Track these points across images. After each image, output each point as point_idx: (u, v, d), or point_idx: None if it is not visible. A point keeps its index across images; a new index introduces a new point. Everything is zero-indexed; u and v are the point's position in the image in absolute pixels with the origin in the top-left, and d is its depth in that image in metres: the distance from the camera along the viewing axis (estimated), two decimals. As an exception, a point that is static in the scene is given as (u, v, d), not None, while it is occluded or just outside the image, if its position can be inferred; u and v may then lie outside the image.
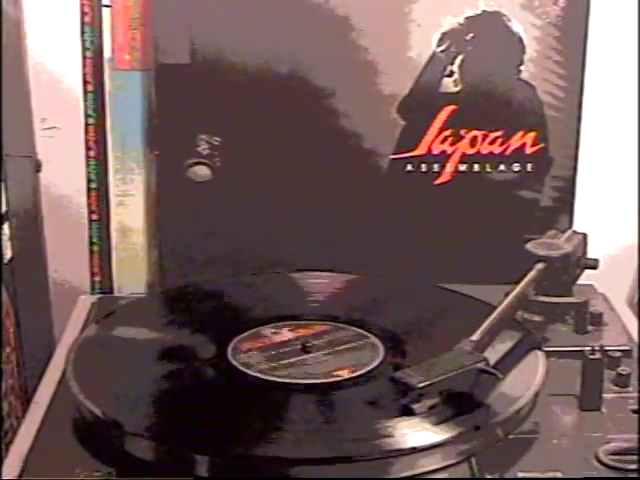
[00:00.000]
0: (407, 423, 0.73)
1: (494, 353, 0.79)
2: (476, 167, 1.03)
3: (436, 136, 1.02)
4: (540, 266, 0.89)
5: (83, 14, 1.01)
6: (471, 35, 1.00)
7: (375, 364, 0.82)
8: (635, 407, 0.79)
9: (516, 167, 1.03)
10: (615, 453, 0.73)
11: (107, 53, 1.01)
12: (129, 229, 1.06)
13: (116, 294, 1.06)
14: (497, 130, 1.02)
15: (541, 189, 1.04)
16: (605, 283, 1.00)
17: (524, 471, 0.72)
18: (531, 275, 0.88)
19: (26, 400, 0.96)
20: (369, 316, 0.90)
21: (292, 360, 0.82)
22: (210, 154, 1.01)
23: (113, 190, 1.05)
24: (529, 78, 1.01)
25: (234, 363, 0.82)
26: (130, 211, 1.05)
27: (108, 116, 1.03)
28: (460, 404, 0.74)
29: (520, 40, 1.00)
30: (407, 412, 0.73)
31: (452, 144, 1.02)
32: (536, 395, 0.78)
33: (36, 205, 1.05)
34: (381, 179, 1.03)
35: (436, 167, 1.03)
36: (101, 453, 0.73)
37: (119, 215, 1.05)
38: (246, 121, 1.00)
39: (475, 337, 0.78)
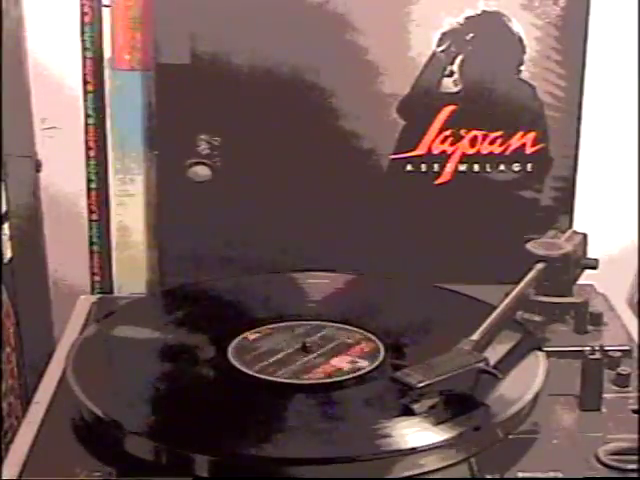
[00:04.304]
0: (407, 423, 0.73)
1: (494, 353, 0.79)
2: (476, 167, 1.03)
3: (436, 136, 1.02)
4: (540, 266, 0.89)
5: (83, 14, 1.01)
6: (471, 35, 1.00)
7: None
8: (635, 407, 0.79)
9: (516, 167, 1.03)
10: (615, 453, 0.73)
11: (107, 53, 1.01)
12: (129, 229, 1.06)
13: (116, 294, 1.06)
14: (497, 130, 1.02)
15: (541, 189, 1.04)
16: (605, 283, 1.00)
17: (524, 471, 0.72)
18: (531, 275, 0.88)
19: (26, 400, 0.96)
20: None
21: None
22: (210, 154, 1.01)
23: (113, 190, 1.05)
24: (529, 78, 1.01)
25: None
26: (130, 211, 1.05)
27: (108, 116, 1.03)
28: (460, 404, 0.74)
29: (520, 40, 1.01)
30: (407, 412, 0.73)
31: (452, 144, 1.02)
32: (536, 395, 0.77)
33: (36, 205, 1.05)
34: (381, 179, 1.03)
35: (436, 167, 1.03)
36: (101, 453, 0.73)
37: (119, 215, 1.05)
38: (246, 121, 1.00)
39: (475, 337, 0.78)
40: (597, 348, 0.80)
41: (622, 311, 0.97)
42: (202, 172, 1.01)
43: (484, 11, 1.00)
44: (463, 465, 0.72)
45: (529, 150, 1.03)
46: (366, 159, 1.02)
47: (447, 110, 1.01)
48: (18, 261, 1.00)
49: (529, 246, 0.92)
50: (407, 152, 1.02)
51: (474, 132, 1.02)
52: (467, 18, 1.00)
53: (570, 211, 1.05)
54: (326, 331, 0.87)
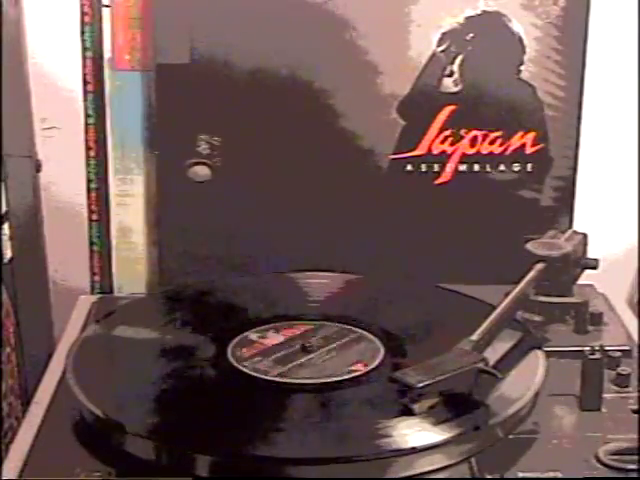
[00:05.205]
0: (407, 423, 0.73)
1: (494, 353, 0.79)
2: (476, 167, 1.03)
3: (436, 136, 1.02)
4: (540, 266, 0.89)
5: (83, 14, 1.01)
6: (471, 35, 1.00)
7: (375, 364, 0.82)
8: (635, 407, 0.79)
9: (516, 167, 1.03)
10: (615, 453, 0.73)
11: (107, 53, 1.01)
12: (129, 229, 1.06)
13: (116, 294, 1.06)
14: (497, 130, 1.02)
15: (541, 189, 1.04)
16: (605, 283, 1.00)
17: (524, 471, 0.72)
18: (531, 275, 0.88)
19: (26, 400, 0.96)
20: (369, 316, 0.90)
21: (292, 360, 0.82)
22: (210, 154, 1.01)
23: (113, 190, 1.05)
24: (529, 78, 1.01)
25: (234, 363, 0.82)
26: (130, 211, 1.05)
27: (108, 116, 1.03)
28: (460, 404, 0.74)
29: (520, 40, 1.01)
30: (407, 412, 0.73)
31: (452, 144, 1.02)
32: (536, 395, 0.78)
33: (36, 205, 1.05)
34: (381, 179, 1.03)
35: (436, 167, 1.03)
36: (101, 453, 0.73)
37: (119, 215, 1.05)
38: (246, 121, 1.00)
39: (475, 337, 0.78)
40: (597, 348, 0.79)
41: (622, 311, 0.97)
42: (202, 172, 1.01)
43: (484, 11, 1.00)
44: (463, 465, 0.72)
45: (529, 150, 1.03)
46: (366, 159, 1.02)
47: (447, 110, 1.01)
48: (18, 261, 1.00)
49: (529, 246, 0.92)
50: (407, 152, 1.02)
51: (474, 132, 1.02)
52: (467, 18, 1.00)
53: (570, 211, 1.05)
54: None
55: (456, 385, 0.75)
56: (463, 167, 1.03)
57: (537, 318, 0.91)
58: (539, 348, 0.83)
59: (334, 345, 0.85)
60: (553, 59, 1.01)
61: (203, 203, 1.02)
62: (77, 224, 1.06)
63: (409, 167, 1.03)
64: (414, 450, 0.70)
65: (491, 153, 1.03)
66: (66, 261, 1.08)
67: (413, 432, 0.72)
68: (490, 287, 0.92)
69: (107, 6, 1.00)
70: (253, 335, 0.87)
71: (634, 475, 0.71)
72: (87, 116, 1.03)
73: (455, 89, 1.01)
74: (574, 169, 1.04)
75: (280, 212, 1.02)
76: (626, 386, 0.82)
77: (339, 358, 0.83)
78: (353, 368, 0.81)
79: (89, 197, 1.05)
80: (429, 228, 1.04)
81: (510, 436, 0.75)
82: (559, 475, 0.71)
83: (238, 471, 0.70)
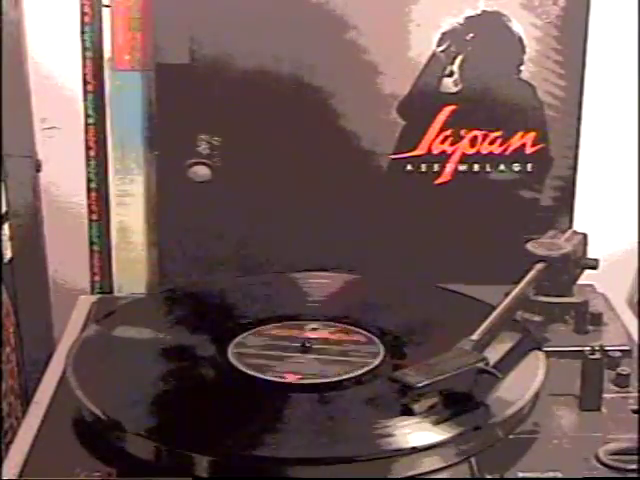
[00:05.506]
0: (407, 423, 0.73)
1: (494, 353, 0.79)
2: (476, 167, 1.03)
3: (436, 136, 1.02)
4: (540, 266, 0.89)
5: (83, 14, 1.01)
6: (471, 35, 1.00)
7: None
8: (635, 407, 0.79)
9: (516, 167, 1.03)
10: (615, 453, 0.73)
11: (107, 53, 1.01)
12: (129, 229, 1.06)
13: (116, 294, 1.06)
14: (497, 130, 1.02)
15: (541, 189, 1.04)
16: (605, 283, 1.00)
17: (524, 471, 0.72)
18: (531, 275, 0.88)
19: (26, 400, 0.96)
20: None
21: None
22: (210, 154, 1.01)
23: (113, 190, 1.05)
24: (529, 78, 1.01)
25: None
26: (130, 211, 1.05)
27: (108, 116, 1.03)
28: (460, 404, 0.74)
29: (520, 40, 1.01)
30: (407, 412, 0.73)
31: (452, 144, 1.02)
32: (536, 395, 0.78)
33: (36, 205, 1.05)
34: (381, 179, 1.03)
35: (436, 167, 1.03)
36: (101, 453, 0.73)
37: (119, 215, 1.05)
38: (246, 121, 1.00)
39: (475, 337, 0.78)
40: (597, 348, 0.79)
41: (622, 311, 0.97)
42: (202, 172, 1.01)
43: (484, 11, 1.00)
44: (463, 465, 0.72)
45: (529, 150, 1.03)
46: (366, 159, 1.02)
47: (447, 110, 1.01)
48: (18, 261, 1.00)
49: (529, 246, 0.92)
50: (407, 152, 1.02)
51: (474, 132, 1.02)
52: (467, 18, 1.00)
53: (570, 211, 1.05)
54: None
55: (456, 385, 0.75)
56: (463, 167, 1.03)
57: (537, 318, 0.91)
58: (539, 348, 0.83)
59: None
60: (553, 59, 1.01)
61: (203, 203, 1.02)
62: (77, 224, 1.06)
63: (409, 167, 1.03)
64: (414, 450, 0.70)
65: (491, 153, 1.03)
66: (66, 261, 1.08)
67: (413, 432, 0.72)
68: (490, 287, 0.92)
69: (107, 6, 1.00)
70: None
71: (634, 475, 0.71)
72: (87, 116, 1.03)
73: (455, 89, 1.01)
74: (574, 169, 1.04)
75: (280, 212, 1.02)
76: (626, 386, 0.82)
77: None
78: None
79: (89, 197, 1.05)
80: (429, 228, 1.04)
81: (510, 436, 0.75)
82: (559, 475, 0.71)
83: (238, 471, 0.70)
